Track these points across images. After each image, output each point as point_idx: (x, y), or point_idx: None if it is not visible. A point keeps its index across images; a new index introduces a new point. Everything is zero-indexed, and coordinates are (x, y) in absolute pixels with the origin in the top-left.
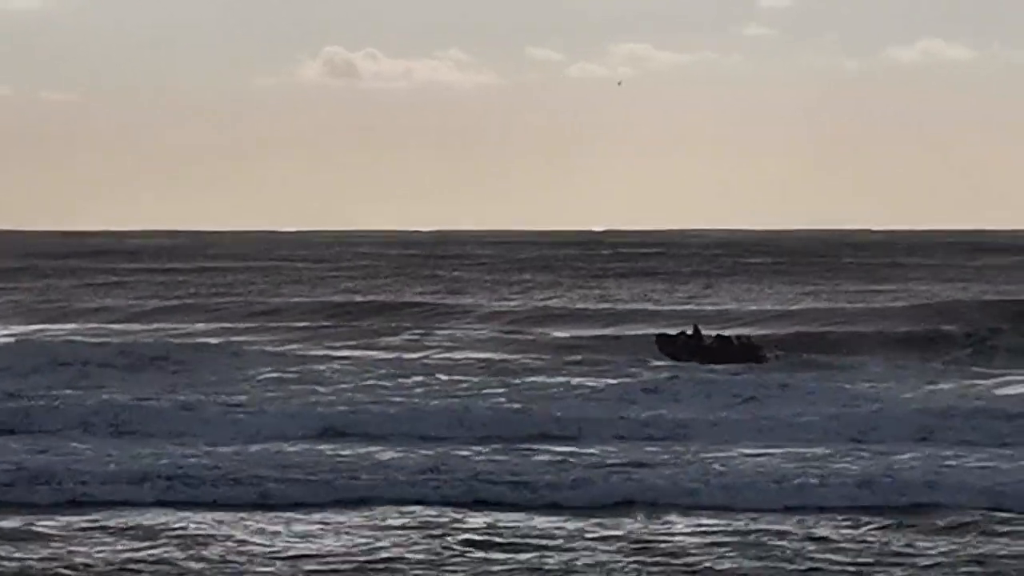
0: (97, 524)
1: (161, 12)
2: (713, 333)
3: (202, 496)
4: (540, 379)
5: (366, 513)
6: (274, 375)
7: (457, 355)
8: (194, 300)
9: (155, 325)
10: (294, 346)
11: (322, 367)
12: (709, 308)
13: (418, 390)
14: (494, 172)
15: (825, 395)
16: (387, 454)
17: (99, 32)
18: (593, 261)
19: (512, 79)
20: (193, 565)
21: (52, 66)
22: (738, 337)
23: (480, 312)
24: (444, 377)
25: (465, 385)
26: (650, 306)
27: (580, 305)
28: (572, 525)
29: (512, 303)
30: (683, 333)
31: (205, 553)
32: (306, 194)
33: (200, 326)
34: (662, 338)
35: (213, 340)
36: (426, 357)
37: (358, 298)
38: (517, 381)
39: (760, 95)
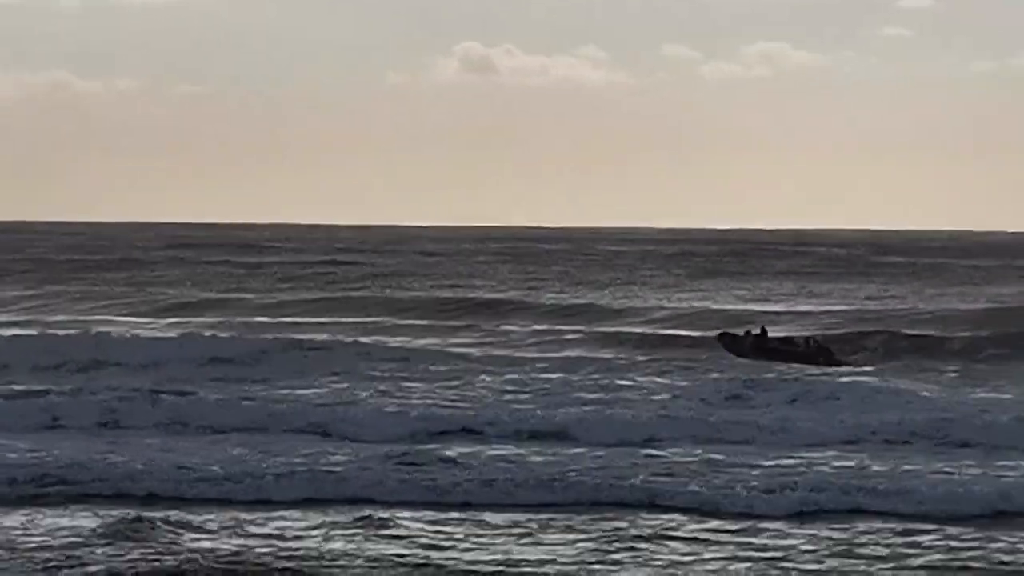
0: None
1: (294, 7)
2: (780, 334)
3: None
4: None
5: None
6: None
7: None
8: (342, 294)
9: (303, 319)
10: (400, 340)
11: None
12: (808, 308)
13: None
14: (626, 169)
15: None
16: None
17: (232, 27)
18: (708, 260)
19: (647, 77)
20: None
21: (185, 60)
22: (807, 339)
23: (605, 311)
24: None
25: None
26: (770, 306)
27: (678, 304)
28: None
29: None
30: (748, 332)
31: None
32: (440, 189)
33: (348, 320)
34: (727, 337)
35: (366, 339)
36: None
37: (482, 295)
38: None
39: (897, 96)
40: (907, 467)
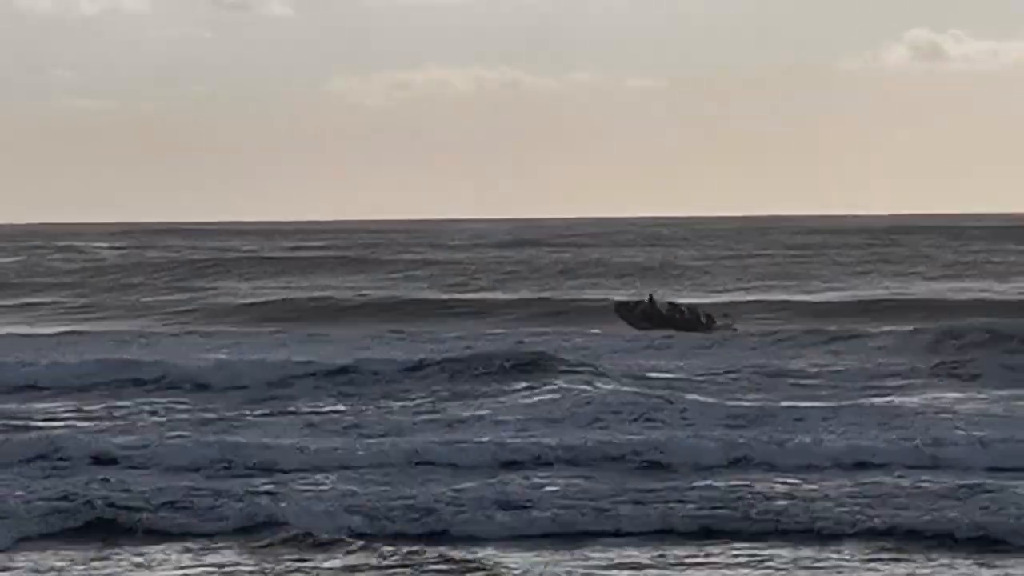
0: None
1: None
2: (667, 302)
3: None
4: None
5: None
6: None
7: None
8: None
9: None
10: None
11: None
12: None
13: None
14: None
15: None
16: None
17: (685, 18)
18: None
19: None
20: None
21: (639, 52)
22: (687, 307)
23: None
24: None
25: None
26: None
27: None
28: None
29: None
30: (640, 302)
31: None
32: (901, 177)
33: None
34: (621, 306)
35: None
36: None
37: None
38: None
39: None
40: None
